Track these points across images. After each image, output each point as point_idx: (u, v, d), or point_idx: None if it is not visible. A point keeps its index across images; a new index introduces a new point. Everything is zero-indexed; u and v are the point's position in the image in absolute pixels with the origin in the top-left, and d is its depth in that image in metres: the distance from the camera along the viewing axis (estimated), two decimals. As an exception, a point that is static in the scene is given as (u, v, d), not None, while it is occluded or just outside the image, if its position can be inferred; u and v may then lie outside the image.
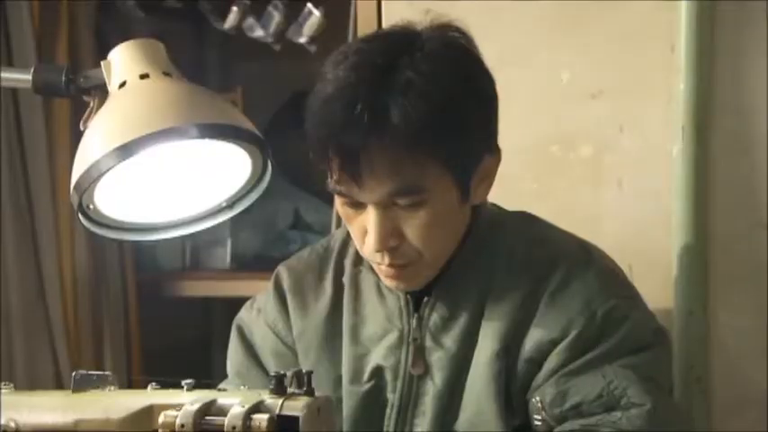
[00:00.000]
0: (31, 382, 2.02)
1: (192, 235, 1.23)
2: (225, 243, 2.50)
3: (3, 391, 0.94)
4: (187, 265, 2.53)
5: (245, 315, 1.44)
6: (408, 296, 1.32)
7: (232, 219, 1.25)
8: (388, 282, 1.30)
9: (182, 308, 2.57)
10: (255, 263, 2.48)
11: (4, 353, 2.01)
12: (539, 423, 1.24)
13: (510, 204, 1.39)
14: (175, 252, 2.51)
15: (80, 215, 1.10)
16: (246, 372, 1.39)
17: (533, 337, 1.26)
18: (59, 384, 2.05)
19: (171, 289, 2.42)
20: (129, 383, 1.89)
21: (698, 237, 1.59)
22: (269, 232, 2.55)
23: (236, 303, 1.50)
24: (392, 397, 1.31)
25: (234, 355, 1.42)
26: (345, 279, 1.38)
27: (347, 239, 1.39)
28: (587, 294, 1.26)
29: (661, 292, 1.57)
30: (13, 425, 0.89)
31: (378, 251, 1.24)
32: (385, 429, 1.31)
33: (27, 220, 2.07)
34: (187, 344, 2.63)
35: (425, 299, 1.31)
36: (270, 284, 1.43)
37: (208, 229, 1.23)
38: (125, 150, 1.03)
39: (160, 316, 2.38)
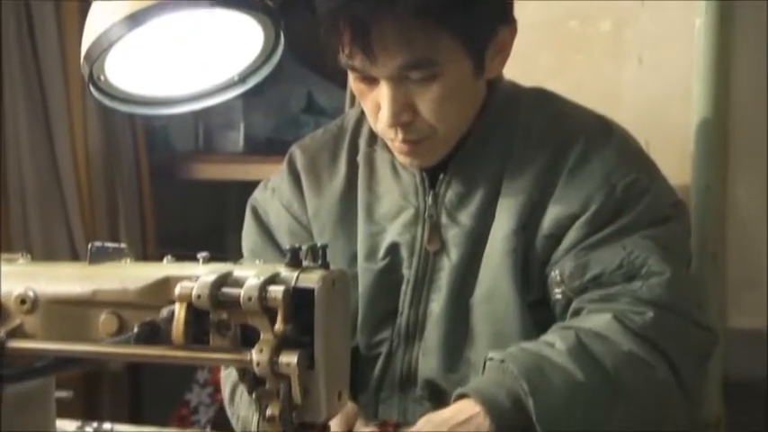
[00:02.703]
0: (47, 259, 2.04)
1: (204, 117, 1.21)
2: (237, 126, 2.48)
3: (20, 261, 0.95)
4: (200, 148, 2.52)
5: (259, 195, 1.43)
6: (424, 173, 1.31)
7: (244, 102, 1.23)
8: (402, 158, 1.29)
9: (194, 190, 2.57)
10: (268, 146, 2.47)
11: (20, 229, 2.02)
12: (558, 296, 1.24)
13: (526, 80, 1.37)
14: (188, 134, 2.50)
15: (91, 86, 1.09)
16: (261, 251, 1.39)
17: (552, 213, 1.25)
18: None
19: (183, 171, 2.42)
20: (145, 260, 1.90)
21: (718, 111, 1.57)
22: (281, 116, 2.53)
23: (248, 186, 1.50)
24: (408, 273, 1.31)
25: (248, 234, 1.42)
26: (360, 158, 1.37)
27: (361, 118, 1.38)
28: (607, 168, 1.25)
29: (678, 168, 1.55)
30: (31, 294, 0.90)
31: (391, 126, 1.23)
32: (400, 305, 1.32)
33: (38, 97, 2.06)
34: (200, 226, 2.64)
35: (441, 176, 1.30)
36: (284, 164, 1.42)
37: (220, 112, 1.21)
38: (135, 19, 1.01)
39: (173, 198, 2.39)
